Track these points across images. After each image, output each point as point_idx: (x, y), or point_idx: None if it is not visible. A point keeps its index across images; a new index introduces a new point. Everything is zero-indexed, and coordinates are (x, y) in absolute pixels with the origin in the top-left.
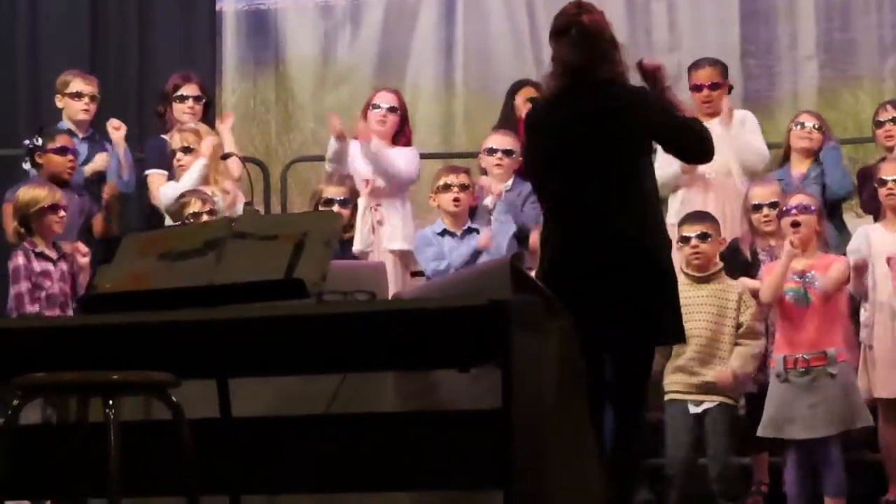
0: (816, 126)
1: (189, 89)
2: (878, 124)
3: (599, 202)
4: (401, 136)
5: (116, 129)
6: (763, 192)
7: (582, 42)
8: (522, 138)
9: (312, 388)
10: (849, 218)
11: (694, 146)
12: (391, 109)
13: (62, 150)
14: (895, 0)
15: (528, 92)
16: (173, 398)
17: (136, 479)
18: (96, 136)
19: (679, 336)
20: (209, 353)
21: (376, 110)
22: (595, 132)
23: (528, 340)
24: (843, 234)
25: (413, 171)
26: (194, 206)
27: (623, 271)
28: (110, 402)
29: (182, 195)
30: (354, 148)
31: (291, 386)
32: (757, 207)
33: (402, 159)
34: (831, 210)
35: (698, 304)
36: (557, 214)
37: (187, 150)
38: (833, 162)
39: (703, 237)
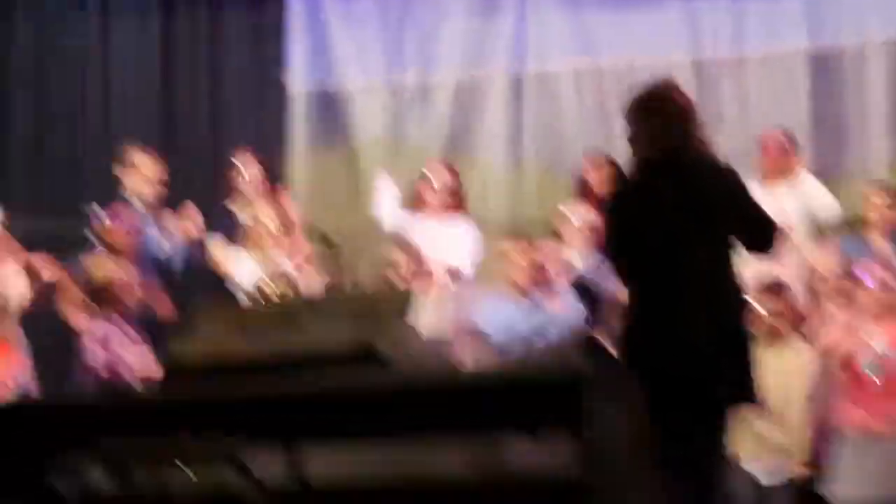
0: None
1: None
2: None
3: (690, 287)
4: (456, 207)
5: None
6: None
7: (675, 120)
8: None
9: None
10: None
11: (763, 236)
12: (447, 185)
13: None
14: None
15: (607, 167)
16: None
17: None
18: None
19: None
20: (286, 421)
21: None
22: (686, 208)
23: (610, 411)
24: None
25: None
26: (277, 288)
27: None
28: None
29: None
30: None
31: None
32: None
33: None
34: None
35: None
36: (646, 295)
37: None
38: None
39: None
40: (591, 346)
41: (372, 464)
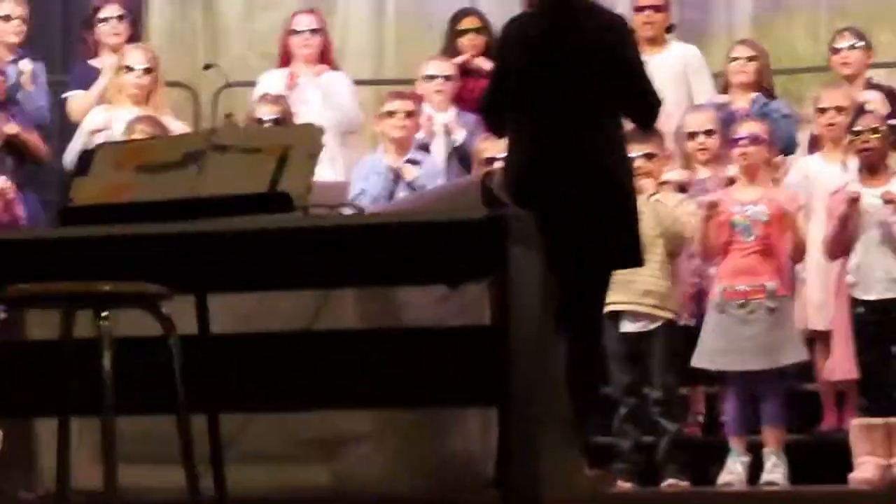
0: (750, 56)
1: (110, 10)
2: (835, 51)
3: (575, 124)
4: (326, 58)
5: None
6: (698, 120)
7: None
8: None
9: (288, 306)
10: None
11: (649, 115)
12: (313, 31)
13: None
14: None
15: (472, 22)
16: (164, 312)
17: (124, 396)
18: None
19: (639, 260)
20: (192, 268)
21: (298, 36)
22: (582, 56)
23: (525, 256)
24: None
25: (359, 113)
26: (145, 132)
27: (591, 196)
28: (103, 314)
29: (134, 119)
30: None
31: (269, 303)
32: (692, 135)
33: (348, 99)
34: None
35: None
36: (528, 129)
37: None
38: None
39: (648, 157)
40: (488, 193)
41: (278, 310)
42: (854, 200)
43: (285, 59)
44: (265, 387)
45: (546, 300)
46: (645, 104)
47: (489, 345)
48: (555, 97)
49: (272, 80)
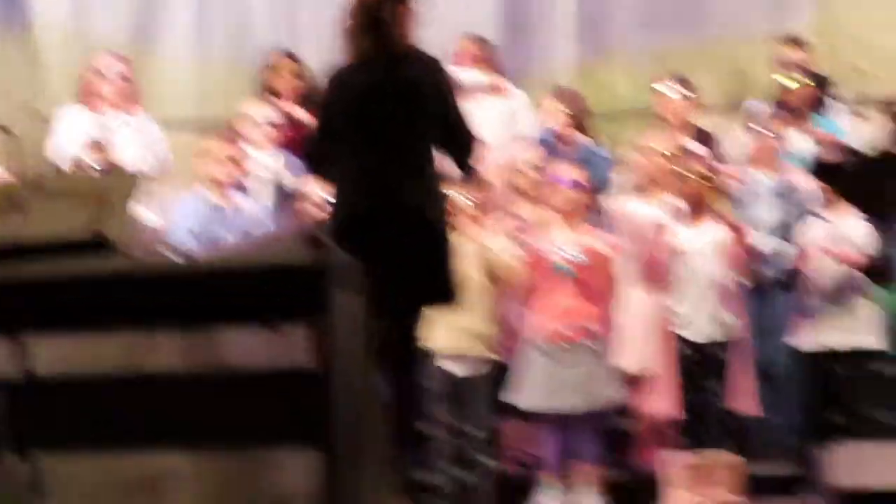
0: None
1: None
2: (658, 96)
3: (397, 169)
4: (132, 101)
5: None
6: (524, 157)
7: (383, 8)
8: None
9: (111, 347)
10: None
11: (468, 155)
12: (120, 75)
13: None
14: None
15: (289, 65)
16: None
17: None
18: None
19: (454, 298)
20: (12, 311)
21: (102, 77)
22: (404, 102)
23: (348, 300)
24: None
25: (168, 155)
26: None
27: (408, 238)
28: None
29: None
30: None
31: (91, 344)
32: (517, 172)
33: (159, 142)
34: None
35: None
36: (351, 174)
37: None
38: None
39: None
40: (312, 237)
41: (99, 353)
42: (661, 227)
43: (88, 98)
44: (85, 427)
45: (367, 341)
46: (464, 145)
47: (311, 387)
48: (378, 143)
49: (75, 117)
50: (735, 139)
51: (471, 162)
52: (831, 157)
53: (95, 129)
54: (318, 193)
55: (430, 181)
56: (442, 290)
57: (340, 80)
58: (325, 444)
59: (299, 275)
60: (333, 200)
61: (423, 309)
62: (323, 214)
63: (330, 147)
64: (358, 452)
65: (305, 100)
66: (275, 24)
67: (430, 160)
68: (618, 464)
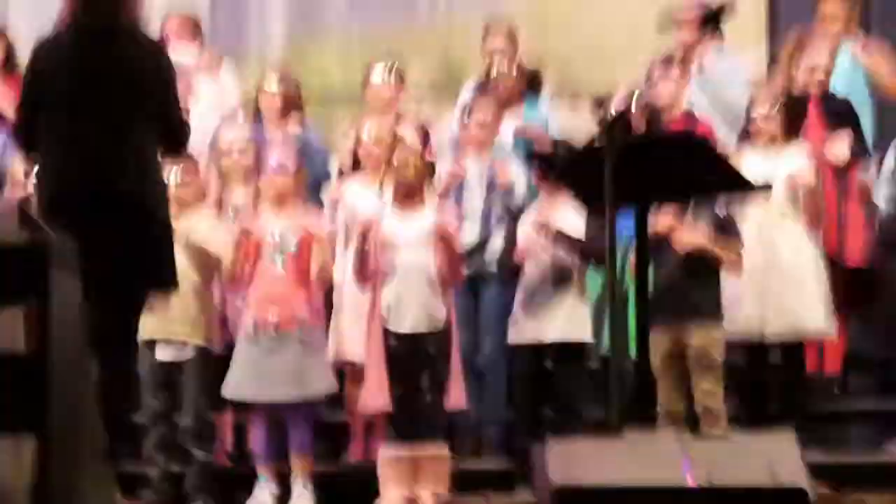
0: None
1: None
2: (369, 83)
3: (108, 147)
4: None
5: None
6: (231, 137)
7: None
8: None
9: None
10: None
11: (180, 140)
12: None
13: None
14: None
15: None
16: None
17: None
18: None
19: (171, 284)
20: None
21: None
22: (118, 80)
23: (66, 281)
24: None
25: None
26: None
27: (121, 221)
28: None
29: None
30: None
31: None
32: (226, 152)
33: None
34: None
35: None
36: (60, 151)
37: None
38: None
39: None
40: (25, 216)
41: None
42: (370, 217)
43: None
44: None
45: (84, 326)
46: (176, 129)
47: (26, 371)
48: (89, 119)
49: None
50: (446, 127)
51: (180, 146)
52: (541, 147)
53: None
54: (22, 170)
55: (146, 164)
56: (161, 277)
57: (48, 50)
58: (40, 433)
59: (15, 255)
60: (42, 179)
61: (140, 296)
62: (24, 193)
63: (36, 122)
64: (74, 442)
65: (5, 67)
66: None
67: (149, 144)
68: (330, 456)
